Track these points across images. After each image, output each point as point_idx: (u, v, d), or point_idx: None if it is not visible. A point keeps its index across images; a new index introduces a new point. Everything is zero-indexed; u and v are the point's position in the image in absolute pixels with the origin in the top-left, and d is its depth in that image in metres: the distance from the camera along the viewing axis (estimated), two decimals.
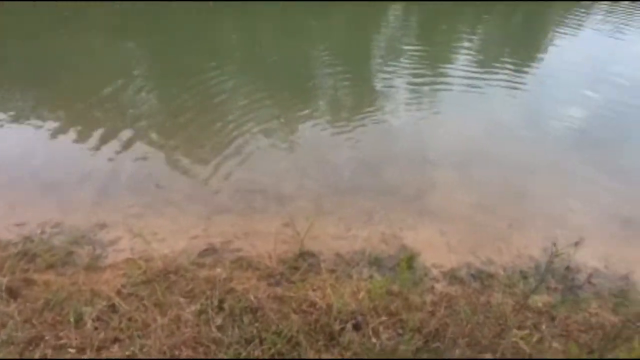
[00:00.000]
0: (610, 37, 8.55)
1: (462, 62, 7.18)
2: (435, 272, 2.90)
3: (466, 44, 8.24)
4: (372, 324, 2.19)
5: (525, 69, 6.97)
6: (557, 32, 8.97)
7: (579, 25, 9.16)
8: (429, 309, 2.48)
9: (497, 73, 6.72)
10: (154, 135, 4.57)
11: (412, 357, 2.03)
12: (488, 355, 2.15)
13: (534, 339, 2.15)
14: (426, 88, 6.15)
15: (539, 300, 2.66)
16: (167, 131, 4.70)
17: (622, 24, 9.11)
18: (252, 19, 9.06)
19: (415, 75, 6.53)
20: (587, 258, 3.03)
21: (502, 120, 5.34)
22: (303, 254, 2.93)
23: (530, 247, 3.14)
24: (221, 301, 2.28)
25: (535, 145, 4.74)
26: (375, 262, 2.95)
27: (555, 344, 2.14)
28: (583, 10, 9.93)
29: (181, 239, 3.05)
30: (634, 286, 2.77)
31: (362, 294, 2.42)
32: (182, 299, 2.33)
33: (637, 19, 9.23)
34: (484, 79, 6.48)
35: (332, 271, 2.81)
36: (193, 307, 2.24)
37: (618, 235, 3.33)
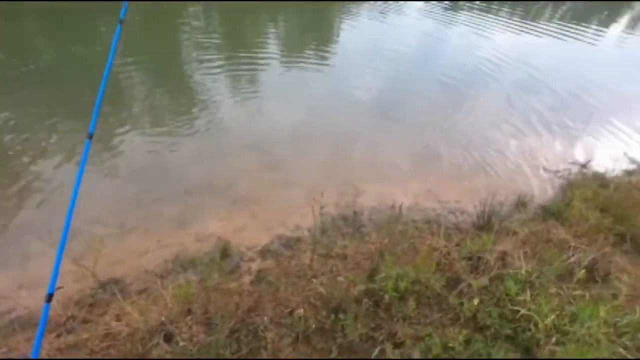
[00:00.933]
0: (381, 23, 10.67)
1: (272, 50, 7.70)
2: (250, 253, 3.06)
3: (272, 35, 8.80)
4: (184, 327, 2.15)
5: (326, 51, 8.02)
6: (342, 21, 10.58)
7: (357, 15, 11.05)
8: (245, 290, 2.60)
9: (303, 56, 7.51)
10: None
11: (227, 340, 2.10)
12: (299, 310, 2.44)
13: (327, 280, 2.55)
14: (241, 78, 6.33)
15: (336, 247, 3.16)
16: None
17: (385, 13, 11.49)
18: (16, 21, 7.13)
19: (228, 67, 6.57)
20: (369, 200, 3.77)
21: (313, 95, 5.98)
22: (103, 285, 2.59)
23: (328, 206, 3.66)
24: None
25: (338, 114, 5.53)
26: (191, 264, 2.88)
27: (341, 278, 2.60)
28: (355, 4, 11.99)
29: None
30: (396, 211, 3.60)
31: (172, 302, 2.33)
32: None
33: (392, 10, 11.80)
34: (294, 63, 7.15)
35: (142, 291, 2.60)
36: None
37: (388, 177, 4.24)
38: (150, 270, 2.78)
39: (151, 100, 5.42)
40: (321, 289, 2.45)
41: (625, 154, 4.86)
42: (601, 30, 12.41)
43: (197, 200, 3.61)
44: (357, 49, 8.43)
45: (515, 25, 11.46)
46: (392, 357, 2.15)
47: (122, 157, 4.12)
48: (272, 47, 7.92)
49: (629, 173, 4.35)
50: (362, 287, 2.44)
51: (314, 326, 2.24)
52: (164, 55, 7.13)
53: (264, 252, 3.06)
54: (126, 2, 1.92)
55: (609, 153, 4.95)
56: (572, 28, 11.74)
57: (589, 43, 10.78)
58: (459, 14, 12.11)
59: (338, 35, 9.45)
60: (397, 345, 2.25)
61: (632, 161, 4.66)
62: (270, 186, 3.90)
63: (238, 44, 8.01)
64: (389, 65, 7.57)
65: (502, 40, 10.02)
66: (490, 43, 9.57)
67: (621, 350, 2.28)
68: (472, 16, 11.90)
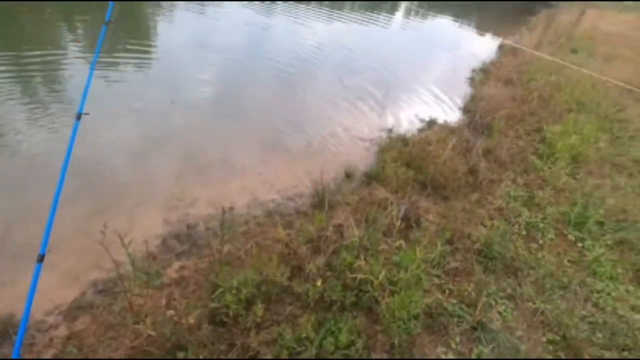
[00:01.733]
0: (201, 16, 9.97)
1: (73, 52, 6.26)
2: (52, 318, 2.34)
3: (69, 35, 7.07)
4: None
5: (149, 49, 6.97)
6: (158, 17, 9.36)
7: (172, 9, 9.97)
8: None
9: (117, 57, 6.28)
10: None
11: None
12: None
13: (159, 318, 2.15)
14: (30, 86, 4.97)
15: (172, 271, 2.74)
16: None
17: (204, 6, 10.79)
18: None
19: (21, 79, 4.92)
20: (203, 208, 3.42)
21: (129, 98, 5.10)
22: None
23: (155, 226, 3.15)
24: None
25: (159, 117, 4.87)
26: None
27: (171, 311, 2.24)
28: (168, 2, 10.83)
29: None
30: (233, 212, 3.38)
31: None
32: None
33: (211, 3, 11.12)
34: (106, 65, 5.90)
35: None
36: None
37: (222, 177, 3.95)
38: None
39: None
40: (150, 332, 2.03)
41: (416, 115, 5.92)
42: (389, 17, 14.95)
43: None
44: (181, 44, 7.73)
45: (326, 14, 12.61)
46: None
47: None
48: (73, 48, 6.44)
49: (420, 130, 5.32)
50: (199, 312, 2.14)
51: None
52: None
53: (73, 310, 2.38)
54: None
55: (406, 116, 5.95)
56: (369, 15, 13.69)
57: (383, 27, 12.85)
58: (276, 5, 12.48)
59: (156, 32, 8.42)
60: (252, 358, 2.08)
61: (422, 120, 5.71)
62: (73, 223, 3.09)
63: (22, 45, 6.19)
64: (218, 58, 7.23)
65: (319, 27, 10.88)
66: (309, 30, 10.26)
67: (435, 279, 2.71)
68: (288, 6, 12.45)
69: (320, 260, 2.58)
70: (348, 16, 12.99)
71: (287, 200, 3.69)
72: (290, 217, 3.37)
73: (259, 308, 2.24)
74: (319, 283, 2.42)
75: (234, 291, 2.23)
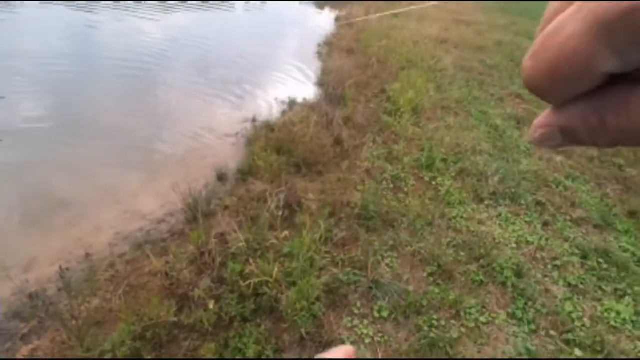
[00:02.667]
0: None
1: None
2: None
3: None
4: None
5: None
6: None
7: None
8: None
9: None
10: None
11: None
12: None
13: None
14: None
15: (33, 352, 2.15)
16: None
17: None
18: None
19: None
20: (47, 267, 2.75)
21: None
22: None
23: None
24: None
25: None
26: None
27: None
28: None
29: None
30: (92, 259, 2.83)
31: None
32: None
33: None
34: None
35: None
36: None
37: (68, 221, 3.23)
38: None
39: None
40: None
41: (276, 98, 5.91)
42: (231, 1, 14.36)
43: None
44: None
45: (161, 4, 11.32)
46: None
47: None
48: None
49: (283, 113, 5.34)
50: None
51: None
52: None
53: None
54: None
55: (267, 101, 5.89)
56: (207, 1, 12.88)
57: (227, 10, 12.29)
58: None
59: None
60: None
61: (283, 102, 5.74)
62: None
63: None
64: (34, 68, 5.76)
65: (160, 19, 9.76)
66: (151, 23, 9.13)
67: (327, 255, 2.79)
68: None
69: (208, 280, 2.36)
70: (188, 5, 11.99)
71: (157, 224, 3.26)
72: (164, 243, 2.99)
73: None
74: (211, 305, 2.21)
75: (108, 355, 1.86)
